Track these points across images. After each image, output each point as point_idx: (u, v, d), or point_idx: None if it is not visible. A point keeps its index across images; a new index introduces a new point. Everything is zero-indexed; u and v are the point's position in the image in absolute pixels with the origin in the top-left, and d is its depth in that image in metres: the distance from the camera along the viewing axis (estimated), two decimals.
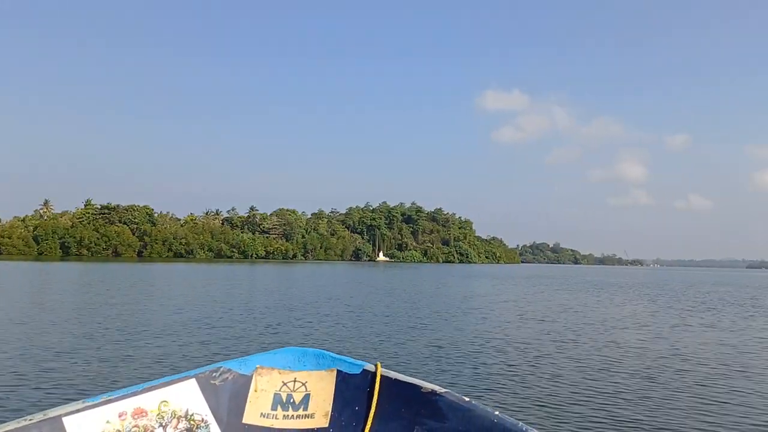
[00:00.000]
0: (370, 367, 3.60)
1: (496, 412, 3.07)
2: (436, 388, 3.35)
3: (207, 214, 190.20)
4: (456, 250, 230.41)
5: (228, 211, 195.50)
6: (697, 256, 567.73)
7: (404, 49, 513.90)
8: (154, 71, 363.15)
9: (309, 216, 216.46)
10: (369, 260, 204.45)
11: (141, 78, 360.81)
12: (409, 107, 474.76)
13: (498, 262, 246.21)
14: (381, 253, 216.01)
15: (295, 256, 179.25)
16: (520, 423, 2.96)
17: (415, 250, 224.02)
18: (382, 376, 3.50)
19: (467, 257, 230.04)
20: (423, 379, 3.55)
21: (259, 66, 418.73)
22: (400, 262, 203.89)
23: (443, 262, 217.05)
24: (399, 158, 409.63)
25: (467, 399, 3.25)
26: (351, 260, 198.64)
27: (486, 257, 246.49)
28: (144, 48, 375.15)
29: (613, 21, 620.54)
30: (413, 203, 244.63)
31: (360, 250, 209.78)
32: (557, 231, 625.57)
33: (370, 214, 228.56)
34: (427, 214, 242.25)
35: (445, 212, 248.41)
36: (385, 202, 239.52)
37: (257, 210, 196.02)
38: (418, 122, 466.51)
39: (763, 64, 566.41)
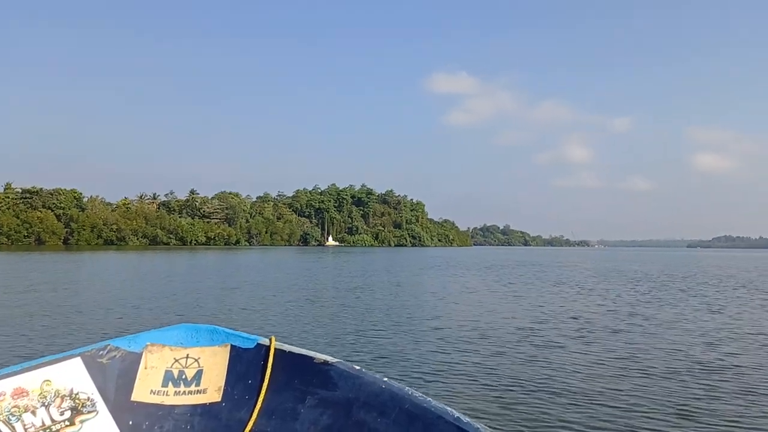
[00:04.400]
0: (265, 341, 3.59)
1: (385, 379, 3.18)
2: (329, 358, 3.40)
3: (141, 198, 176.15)
4: (408, 233, 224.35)
5: (166, 195, 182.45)
6: (639, 237, 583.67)
7: (349, 29, 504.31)
8: (89, 46, 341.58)
9: (254, 200, 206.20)
10: (318, 245, 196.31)
11: (68, 51, 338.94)
12: (357, 88, 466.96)
13: (451, 245, 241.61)
14: (330, 237, 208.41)
15: (238, 241, 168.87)
16: (407, 387, 3.08)
17: (366, 234, 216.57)
18: (276, 349, 3.52)
19: (420, 240, 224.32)
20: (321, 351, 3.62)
21: (202, 46, 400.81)
22: (351, 246, 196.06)
23: (395, 245, 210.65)
24: (348, 140, 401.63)
25: (357, 368, 3.32)
26: (299, 245, 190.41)
27: (439, 240, 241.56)
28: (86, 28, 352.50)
29: (559, 5, 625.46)
30: (363, 185, 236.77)
31: (308, 234, 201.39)
32: (507, 213, 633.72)
33: (319, 196, 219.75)
34: (378, 196, 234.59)
35: (397, 194, 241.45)
36: (334, 185, 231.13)
37: (197, 193, 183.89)
38: (367, 104, 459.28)
39: (698, 49, 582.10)
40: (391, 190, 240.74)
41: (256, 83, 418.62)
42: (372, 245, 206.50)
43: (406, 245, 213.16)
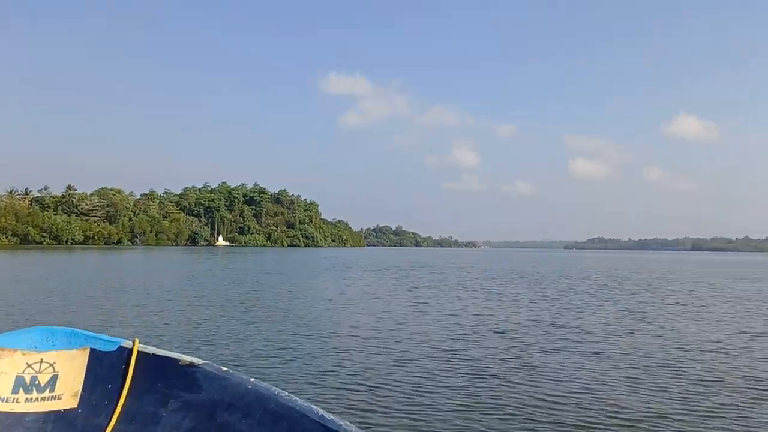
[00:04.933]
0: (128, 344, 3.47)
1: (252, 379, 3.15)
2: (195, 360, 3.32)
3: (11, 193, 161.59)
4: (302, 234, 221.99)
5: (39, 191, 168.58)
6: (522, 238, 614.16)
7: (245, 21, 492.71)
8: None
9: (138, 197, 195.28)
10: (207, 245, 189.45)
11: None
12: (252, 85, 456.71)
13: (344, 246, 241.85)
14: (220, 237, 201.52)
15: (120, 241, 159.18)
16: (274, 388, 3.07)
17: (259, 234, 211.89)
18: (139, 351, 3.41)
19: (313, 241, 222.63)
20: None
21: (85, 29, 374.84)
22: (242, 246, 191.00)
23: (288, 245, 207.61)
24: (241, 138, 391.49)
25: (225, 369, 3.25)
26: (187, 245, 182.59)
27: (332, 240, 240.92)
28: None
29: (449, 11, 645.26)
30: (256, 184, 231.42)
31: (197, 234, 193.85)
32: (400, 214, 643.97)
33: (209, 195, 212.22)
34: (271, 195, 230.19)
35: (291, 194, 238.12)
36: (225, 183, 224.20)
37: (75, 189, 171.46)
38: (262, 102, 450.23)
39: (576, 59, 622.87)
40: (285, 190, 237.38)
41: (145, 70, 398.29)
42: (264, 245, 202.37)
43: (299, 245, 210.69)
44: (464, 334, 13.75)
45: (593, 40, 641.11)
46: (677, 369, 10.38)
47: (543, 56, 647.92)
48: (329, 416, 2.66)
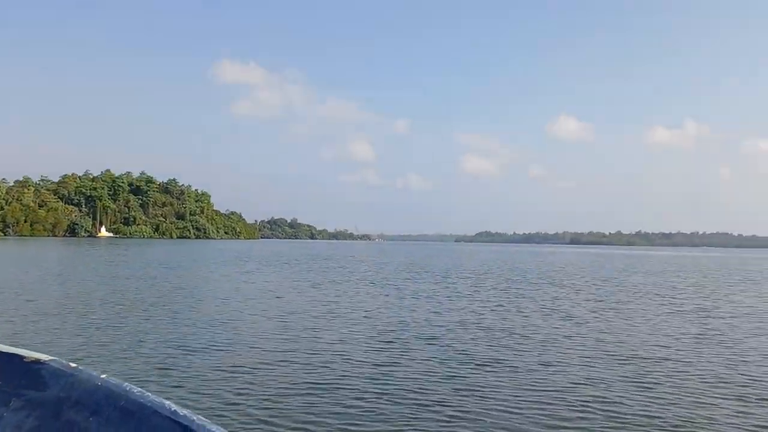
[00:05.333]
0: None
1: (102, 376, 3.18)
2: (42, 356, 3.18)
3: None
4: (192, 225, 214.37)
5: None
6: (414, 231, 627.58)
7: (129, 4, 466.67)
8: None
9: (11, 184, 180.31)
10: (89, 236, 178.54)
11: None
12: (139, 68, 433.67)
13: (238, 238, 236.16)
14: (103, 228, 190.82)
15: None
16: (125, 384, 3.10)
17: (146, 225, 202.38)
18: None
19: (205, 232, 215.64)
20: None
21: None
22: (127, 237, 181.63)
23: (178, 237, 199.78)
24: (126, 123, 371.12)
25: (73, 365, 3.16)
26: (65, 236, 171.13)
27: (225, 232, 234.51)
28: None
29: (351, 2, 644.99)
30: (143, 173, 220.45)
31: (77, 224, 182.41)
32: (295, 206, 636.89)
33: (90, 183, 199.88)
34: (160, 185, 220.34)
35: (180, 184, 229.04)
36: (108, 171, 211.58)
37: None
38: (150, 86, 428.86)
39: (470, 60, 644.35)
40: (174, 180, 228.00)
41: (34, 57, 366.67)
42: (152, 237, 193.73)
43: (189, 237, 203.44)
44: (383, 340, 13.21)
45: (486, 42, 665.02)
46: (590, 353, 11.42)
47: (439, 58, 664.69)
48: (182, 411, 2.35)
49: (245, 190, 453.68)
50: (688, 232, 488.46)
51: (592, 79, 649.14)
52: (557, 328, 15.44)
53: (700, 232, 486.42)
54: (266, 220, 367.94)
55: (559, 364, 10.80)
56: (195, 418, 2.36)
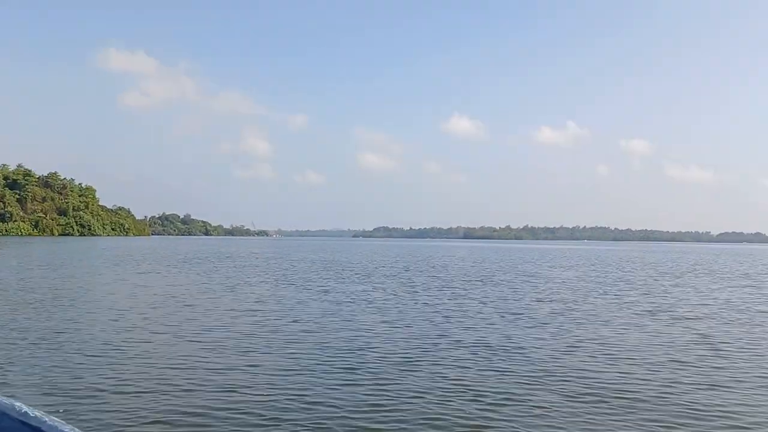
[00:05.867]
0: None
1: None
2: None
3: None
4: (76, 221, 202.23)
5: None
6: (313, 227, 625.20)
7: None
8: None
9: None
10: None
11: None
12: (13, 52, 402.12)
13: (127, 235, 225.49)
14: None
15: None
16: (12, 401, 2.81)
17: (24, 221, 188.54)
18: None
19: (90, 229, 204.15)
20: None
21: None
22: (2, 235, 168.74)
23: (60, 234, 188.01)
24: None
25: None
26: None
27: (112, 229, 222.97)
28: None
29: None
30: (20, 165, 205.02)
31: None
32: (188, 202, 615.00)
33: None
34: (39, 179, 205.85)
35: (62, 178, 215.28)
36: None
37: None
38: (25, 71, 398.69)
39: (364, 59, 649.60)
40: (56, 173, 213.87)
41: None
42: (31, 234, 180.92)
43: (73, 234, 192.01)
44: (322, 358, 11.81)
45: (382, 40, 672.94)
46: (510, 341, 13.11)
47: (336, 56, 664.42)
48: (33, 413, 2.31)
49: (134, 184, 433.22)
50: (570, 227, 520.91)
51: (485, 79, 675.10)
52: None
53: (581, 227, 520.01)
54: (157, 216, 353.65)
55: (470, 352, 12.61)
56: (47, 419, 2.25)
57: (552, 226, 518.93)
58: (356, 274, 35.72)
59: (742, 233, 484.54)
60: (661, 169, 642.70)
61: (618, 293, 25.75)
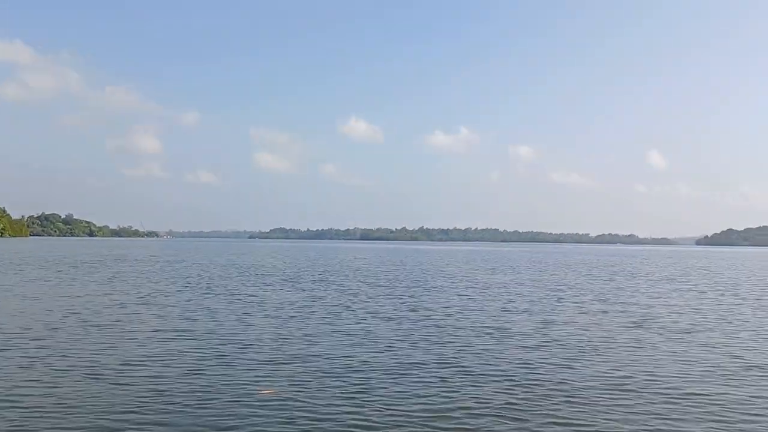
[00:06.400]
0: None
1: None
2: None
3: None
4: None
5: None
6: (206, 228, 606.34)
7: None
8: None
9: None
10: None
11: None
12: None
13: (2, 236, 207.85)
14: None
15: None
16: None
17: None
18: None
19: None
20: None
21: None
22: None
23: None
24: None
25: None
26: None
27: None
28: None
29: None
30: None
31: None
32: (71, 201, 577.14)
33: None
34: None
35: None
36: None
37: None
38: None
39: (262, 57, 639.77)
40: None
41: None
42: None
43: None
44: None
45: (276, 42, 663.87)
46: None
47: (230, 54, 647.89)
48: None
49: (10, 182, 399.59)
50: (463, 228, 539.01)
51: (382, 84, 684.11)
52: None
53: (473, 228, 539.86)
54: (36, 215, 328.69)
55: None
56: None
57: (446, 228, 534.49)
58: (281, 279, 35.41)
59: (617, 235, 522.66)
60: (546, 175, 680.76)
61: (580, 299, 26.54)
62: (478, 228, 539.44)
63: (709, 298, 27.31)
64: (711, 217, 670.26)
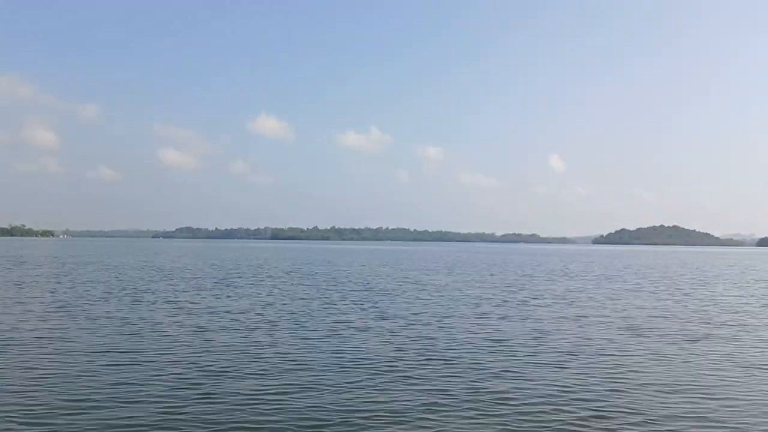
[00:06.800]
0: None
1: None
2: None
3: None
4: None
5: None
6: (107, 227, 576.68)
7: None
8: None
9: None
10: None
11: None
12: None
13: None
14: None
15: None
16: None
17: None
18: None
19: None
20: None
21: None
22: None
23: None
24: None
25: None
26: None
27: None
28: None
29: None
30: None
31: None
32: None
33: None
34: None
35: None
36: None
37: None
38: None
39: (162, 51, 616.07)
40: None
41: None
42: None
43: None
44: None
45: (185, 33, 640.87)
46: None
47: (133, 48, 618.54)
48: None
49: None
50: (374, 228, 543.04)
51: (293, 81, 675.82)
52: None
53: (384, 227, 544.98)
54: None
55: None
56: None
57: (358, 227, 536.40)
58: (212, 282, 33.66)
59: (521, 234, 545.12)
60: (454, 176, 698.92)
61: (546, 301, 26.83)
62: (389, 227, 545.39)
63: (673, 298, 28.78)
64: (605, 217, 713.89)
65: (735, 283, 40.63)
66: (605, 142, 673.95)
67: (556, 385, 11.09)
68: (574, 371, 12.31)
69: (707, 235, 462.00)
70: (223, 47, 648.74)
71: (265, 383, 10.93)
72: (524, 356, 13.84)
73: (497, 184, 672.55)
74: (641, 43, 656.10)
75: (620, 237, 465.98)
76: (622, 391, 10.82)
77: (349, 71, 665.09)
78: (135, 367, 12.09)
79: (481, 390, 10.66)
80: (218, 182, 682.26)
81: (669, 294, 31.18)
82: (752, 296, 31.02)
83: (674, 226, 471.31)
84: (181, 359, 12.95)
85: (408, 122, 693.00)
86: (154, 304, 23.09)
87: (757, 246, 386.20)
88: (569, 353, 14.27)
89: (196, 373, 11.60)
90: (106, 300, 24.14)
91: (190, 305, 22.91)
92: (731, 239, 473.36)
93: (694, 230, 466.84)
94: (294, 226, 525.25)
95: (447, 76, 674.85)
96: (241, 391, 10.30)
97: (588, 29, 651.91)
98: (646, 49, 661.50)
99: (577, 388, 10.96)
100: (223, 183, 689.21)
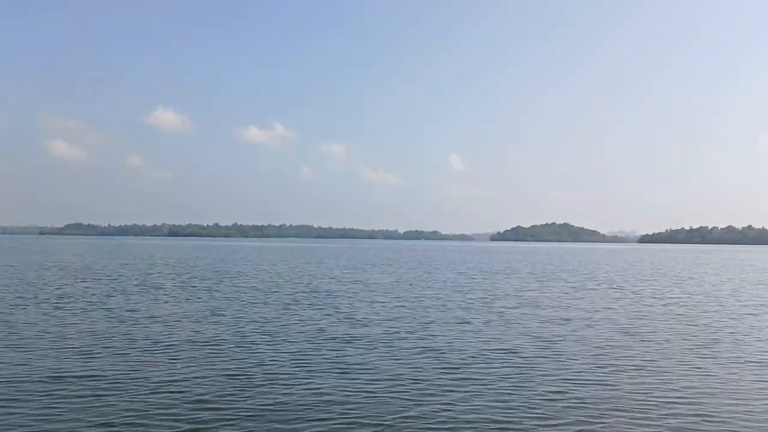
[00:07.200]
0: None
1: None
2: None
3: None
4: None
5: None
6: None
7: None
8: None
9: None
10: None
11: None
12: None
13: None
14: None
15: None
16: None
17: None
18: None
19: None
20: None
21: None
22: None
23: None
24: None
25: None
26: None
27: None
28: None
29: None
30: None
31: None
32: None
33: None
34: None
35: None
36: None
37: None
38: None
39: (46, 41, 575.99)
40: None
41: None
42: None
43: None
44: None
45: (75, 21, 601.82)
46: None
47: (15, 30, 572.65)
48: None
49: None
50: (278, 225, 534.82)
51: (193, 72, 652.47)
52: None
53: (287, 225, 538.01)
54: None
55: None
56: None
57: (260, 224, 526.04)
58: (137, 285, 32.48)
59: (423, 231, 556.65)
60: (358, 173, 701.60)
61: (486, 298, 28.01)
62: (293, 224, 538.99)
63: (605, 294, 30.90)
64: (501, 215, 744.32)
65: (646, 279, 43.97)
66: (501, 143, 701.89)
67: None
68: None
69: (594, 232, 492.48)
70: (122, 36, 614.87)
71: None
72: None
73: (400, 182, 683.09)
74: (535, 43, 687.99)
75: (516, 234, 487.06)
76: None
77: (251, 66, 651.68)
78: None
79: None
80: (112, 176, 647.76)
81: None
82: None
83: (565, 224, 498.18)
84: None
85: (312, 119, 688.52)
86: (74, 306, 22.20)
87: (639, 243, 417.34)
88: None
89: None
90: (23, 307, 22.76)
91: (127, 310, 22.17)
92: (616, 236, 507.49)
93: (583, 227, 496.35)
94: (194, 223, 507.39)
95: (350, 72, 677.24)
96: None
97: (481, 29, 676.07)
98: (540, 49, 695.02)
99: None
100: (117, 177, 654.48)
